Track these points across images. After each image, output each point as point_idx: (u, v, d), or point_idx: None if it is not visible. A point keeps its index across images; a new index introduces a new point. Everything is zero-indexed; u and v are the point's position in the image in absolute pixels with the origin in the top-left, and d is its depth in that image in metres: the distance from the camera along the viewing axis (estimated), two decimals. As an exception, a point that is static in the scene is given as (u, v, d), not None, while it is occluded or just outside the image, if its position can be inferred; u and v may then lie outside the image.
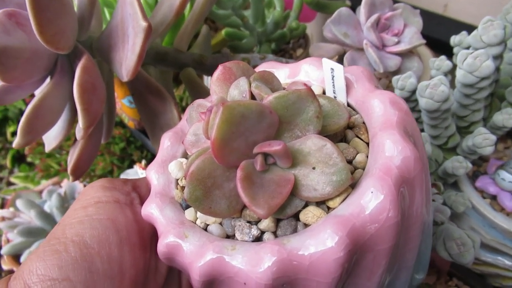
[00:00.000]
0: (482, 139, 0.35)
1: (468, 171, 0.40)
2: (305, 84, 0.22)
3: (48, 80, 0.32)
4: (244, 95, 0.21)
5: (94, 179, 0.64)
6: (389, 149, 0.20)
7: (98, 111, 0.29)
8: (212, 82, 0.24)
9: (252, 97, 0.21)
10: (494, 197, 0.39)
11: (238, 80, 0.22)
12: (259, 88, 0.21)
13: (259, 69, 0.28)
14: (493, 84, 0.38)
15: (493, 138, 0.35)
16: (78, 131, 0.29)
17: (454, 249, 0.32)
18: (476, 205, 0.38)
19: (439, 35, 0.66)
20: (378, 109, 0.22)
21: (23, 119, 0.29)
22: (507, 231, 0.37)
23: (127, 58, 0.28)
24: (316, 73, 0.26)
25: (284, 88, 0.24)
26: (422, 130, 0.39)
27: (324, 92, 0.25)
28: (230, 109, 0.18)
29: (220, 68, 0.23)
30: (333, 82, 0.24)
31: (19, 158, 0.78)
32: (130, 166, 0.66)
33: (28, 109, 0.29)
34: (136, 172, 0.61)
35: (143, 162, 0.62)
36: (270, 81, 0.23)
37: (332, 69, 0.24)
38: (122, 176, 0.61)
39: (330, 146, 0.20)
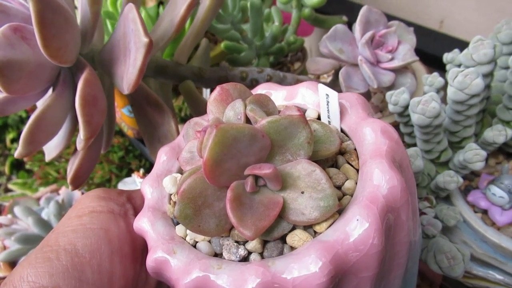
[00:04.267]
0: (473, 155, 0.36)
1: (460, 186, 0.41)
2: (298, 110, 0.22)
3: (50, 91, 0.33)
4: (239, 117, 0.22)
5: (92, 187, 0.64)
6: (377, 178, 0.20)
7: (99, 122, 0.30)
8: (209, 102, 0.24)
9: (247, 119, 0.22)
10: (485, 212, 0.39)
11: (234, 102, 0.23)
12: (253, 111, 0.22)
13: (258, 89, 0.29)
14: (484, 101, 0.39)
15: (484, 153, 0.35)
16: (79, 142, 0.30)
17: (444, 263, 0.32)
18: (467, 219, 0.39)
19: (434, 51, 0.67)
20: (370, 137, 0.23)
21: (25, 130, 0.29)
22: (498, 245, 0.37)
23: (128, 72, 0.29)
24: (313, 97, 0.27)
25: (279, 111, 0.24)
26: (415, 145, 0.40)
27: (319, 117, 0.26)
28: (223, 132, 0.18)
29: (217, 89, 0.24)
30: (328, 108, 0.25)
31: (17, 165, 0.78)
32: (128, 174, 0.66)
33: (30, 120, 0.29)
34: (134, 180, 0.61)
35: (141, 171, 0.63)
36: (265, 104, 0.24)
37: (327, 95, 0.24)
38: (120, 184, 0.61)
39: (319, 172, 0.20)
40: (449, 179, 0.37)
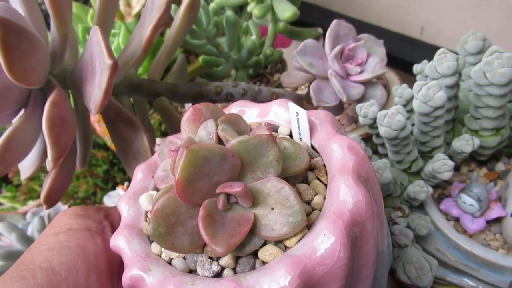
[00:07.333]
0: (441, 165, 0.36)
1: (433, 194, 0.42)
2: (268, 129, 0.23)
3: (22, 111, 0.33)
4: (211, 136, 0.23)
5: (77, 201, 0.65)
6: (343, 193, 0.21)
7: (67, 143, 0.30)
8: (182, 122, 0.25)
9: (219, 138, 0.23)
10: (457, 220, 0.40)
11: (206, 122, 0.23)
12: (225, 131, 0.22)
13: (232, 107, 0.30)
14: (452, 111, 0.40)
15: (451, 163, 0.36)
16: (48, 163, 0.30)
17: (412, 273, 0.33)
18: (440, 227, 0.39)
19: (414, 59, 0.68)
20: (337, 153, 0.24)
21: (-5, 151, 0.30)
22: (470, 253, 0.38)
23: (94, 93, 0.30)
24: (285, 115, 0.28)
25: (251, 129, 0.25)
26: (386, 155, 0.41)
27: (291, 133, 0.27)
28: (193, 152, 0.19)
29: (190, 109, 0.25)
30: (298, 125, 0.26)
31: (6, 179, 0.78)
32: (114, 188, 0.67)
33: (0, 142, 0.30)
34: (119, 194, 0.62)
35: (126, 184, 0.63)
36: (237, 124, 0.25)
37: (297, 113, 0.25)
38: (105, 198, 0.62)
39: (288, 189, 0.21)
40: (419, 189, 0.38)
